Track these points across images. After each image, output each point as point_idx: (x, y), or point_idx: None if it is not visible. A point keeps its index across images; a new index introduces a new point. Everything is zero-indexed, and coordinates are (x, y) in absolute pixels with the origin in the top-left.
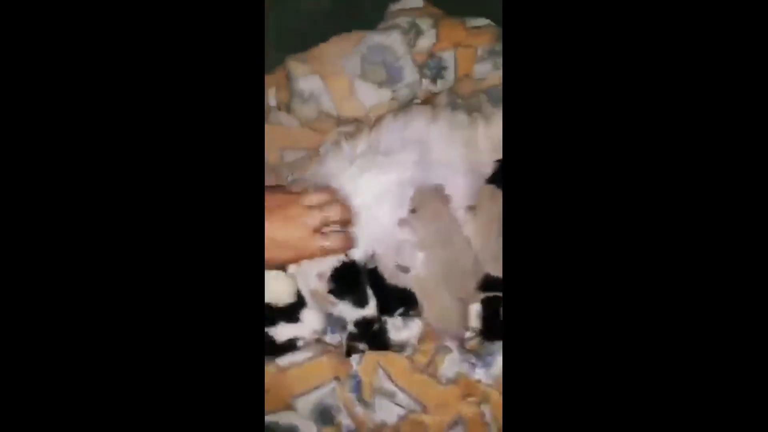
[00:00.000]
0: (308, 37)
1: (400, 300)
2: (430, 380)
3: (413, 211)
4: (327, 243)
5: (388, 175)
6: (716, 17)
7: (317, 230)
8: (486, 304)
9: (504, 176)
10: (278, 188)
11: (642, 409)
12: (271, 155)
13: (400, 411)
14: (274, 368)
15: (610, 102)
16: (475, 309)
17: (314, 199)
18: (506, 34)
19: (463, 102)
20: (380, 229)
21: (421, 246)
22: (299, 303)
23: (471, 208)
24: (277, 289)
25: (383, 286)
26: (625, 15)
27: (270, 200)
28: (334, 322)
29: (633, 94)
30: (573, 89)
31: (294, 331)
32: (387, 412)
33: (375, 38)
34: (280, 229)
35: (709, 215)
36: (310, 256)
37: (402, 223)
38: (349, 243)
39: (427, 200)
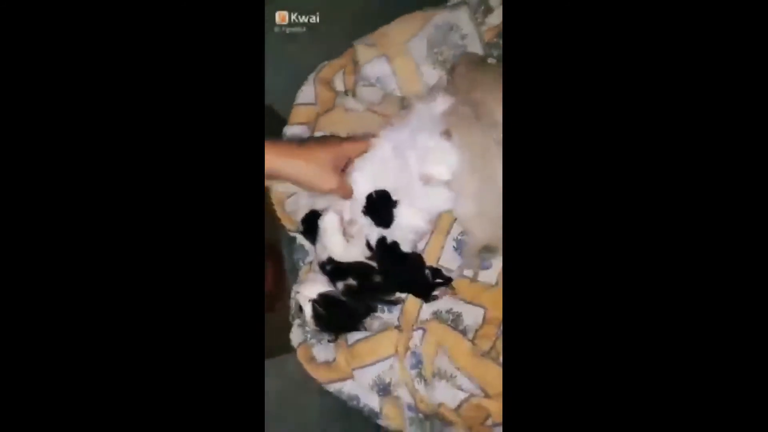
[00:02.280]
0: (375, 17)
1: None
2: (493, 364)
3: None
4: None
5: None
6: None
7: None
8: None
9: (505, 178)
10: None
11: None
12: None
13: (461, 394)
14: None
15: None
16: None
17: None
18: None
19: None
20: None
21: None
22: None
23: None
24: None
25: None
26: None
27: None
28: None
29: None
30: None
31: None
32: (446, 392)
33: (441, 16)
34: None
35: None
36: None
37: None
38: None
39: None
